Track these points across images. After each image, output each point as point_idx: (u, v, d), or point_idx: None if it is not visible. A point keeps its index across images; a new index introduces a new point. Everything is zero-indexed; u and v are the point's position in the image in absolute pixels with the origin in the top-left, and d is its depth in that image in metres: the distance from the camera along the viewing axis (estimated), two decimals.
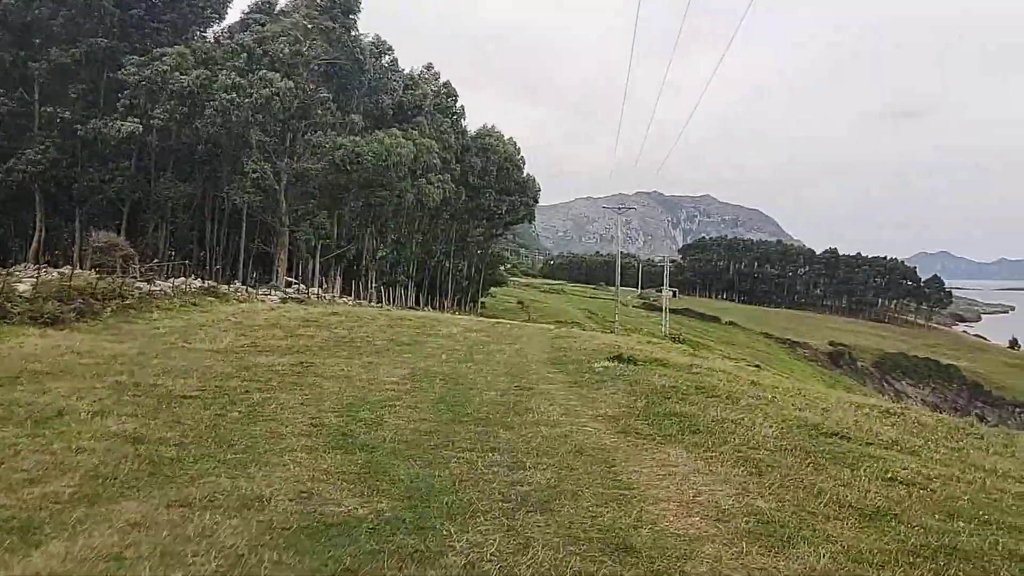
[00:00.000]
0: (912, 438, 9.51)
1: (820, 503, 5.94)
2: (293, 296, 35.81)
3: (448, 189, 57.73)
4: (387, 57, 57.60)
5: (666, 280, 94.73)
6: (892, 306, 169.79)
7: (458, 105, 66.59)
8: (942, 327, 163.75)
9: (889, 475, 7.01)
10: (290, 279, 46.63)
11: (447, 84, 65.61)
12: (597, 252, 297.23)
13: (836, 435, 8.82)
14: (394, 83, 57.60)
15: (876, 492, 6.35)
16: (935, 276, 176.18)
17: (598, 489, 6.01)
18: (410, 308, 54.84)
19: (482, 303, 79.71)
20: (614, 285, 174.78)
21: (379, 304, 50.94)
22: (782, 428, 8.82)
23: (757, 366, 45.90)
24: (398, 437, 7.27)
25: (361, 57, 49.91)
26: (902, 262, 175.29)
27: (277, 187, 46.67)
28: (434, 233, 70.14)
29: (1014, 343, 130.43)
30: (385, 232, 60.51)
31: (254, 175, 44.63)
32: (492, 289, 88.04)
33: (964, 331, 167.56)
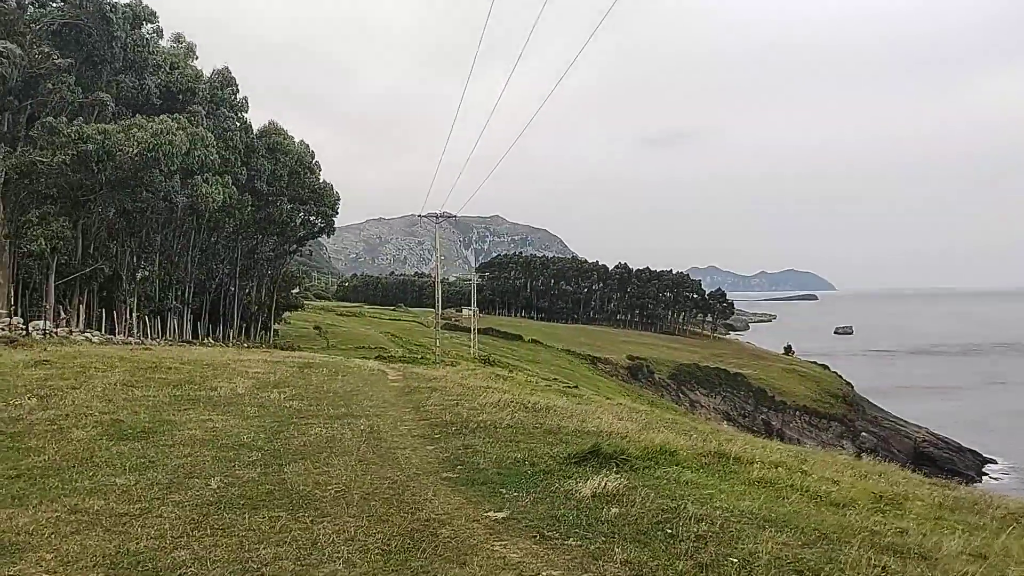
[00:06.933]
0: None
1: None
2: None
3: (230, 193, 47.49)
4: (149, 26, 45.44)
5: (474, 299, 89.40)
6: (681, 318, 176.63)
7: (239, 96, 54.96)
8: (723, 337, 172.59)
9: None
10: None
11: (226, 70, 54.20)
12: (392, 272, 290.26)
13: None
14: (158, 59, 45.78)
15: None
16: (719, 289, 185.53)
17: None
18: (183, 343, 44.51)
19: (275, 330, 69.25)
20: (415, 306, 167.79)
21: (139, 339, 40.41)
22: None
23: (575, 386, 41.50)
24: None
25: (112, 16, 38.88)
26: (687, 275, 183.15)
27: None
28: (214, 250, 59.03)
29: (788, 350, 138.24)
30: (150, 247, 48.97)
31: None
32: (286, 314, 77.47)
33: (737, 339, 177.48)
